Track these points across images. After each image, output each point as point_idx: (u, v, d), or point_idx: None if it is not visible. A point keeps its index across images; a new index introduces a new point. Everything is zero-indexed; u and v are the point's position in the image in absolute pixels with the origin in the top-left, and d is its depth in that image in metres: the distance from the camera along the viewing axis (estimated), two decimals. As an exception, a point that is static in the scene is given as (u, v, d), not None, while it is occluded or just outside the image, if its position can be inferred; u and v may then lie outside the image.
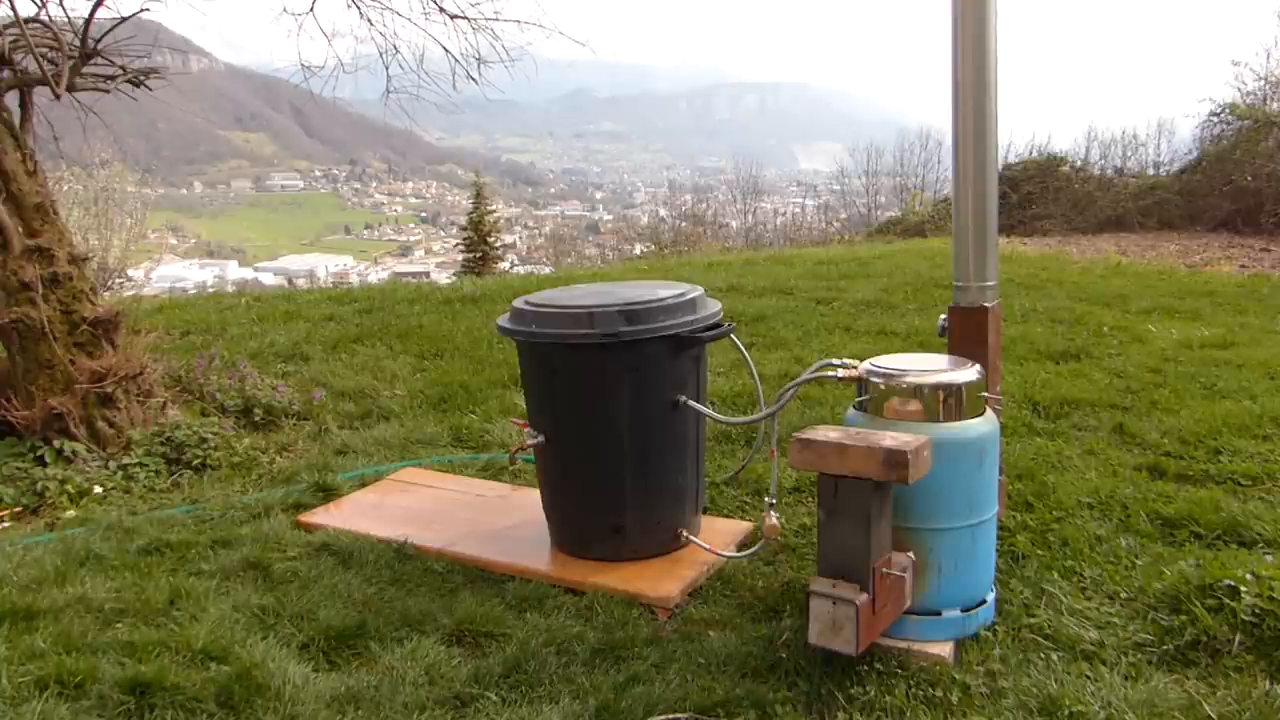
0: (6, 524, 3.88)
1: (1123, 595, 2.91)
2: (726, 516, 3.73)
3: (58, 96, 4.51)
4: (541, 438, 3.31)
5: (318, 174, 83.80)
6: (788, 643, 2.68)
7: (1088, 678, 2.48)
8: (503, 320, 3.38)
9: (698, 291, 3.33)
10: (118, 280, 9.78)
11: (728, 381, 5.32)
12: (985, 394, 2.76)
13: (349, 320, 7.27)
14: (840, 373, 2.83)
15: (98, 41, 4.76)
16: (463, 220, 25.24)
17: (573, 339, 3.15)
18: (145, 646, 2.66)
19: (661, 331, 3.14)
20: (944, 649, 2.61)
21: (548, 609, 2.98)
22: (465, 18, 6.25)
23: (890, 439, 2.43)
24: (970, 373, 2.72)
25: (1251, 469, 3.86)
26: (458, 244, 26.29)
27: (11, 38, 4.47)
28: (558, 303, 3.28)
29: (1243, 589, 2.66)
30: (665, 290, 3.32)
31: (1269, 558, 3.05)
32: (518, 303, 3.35)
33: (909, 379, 2.68)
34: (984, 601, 2.76)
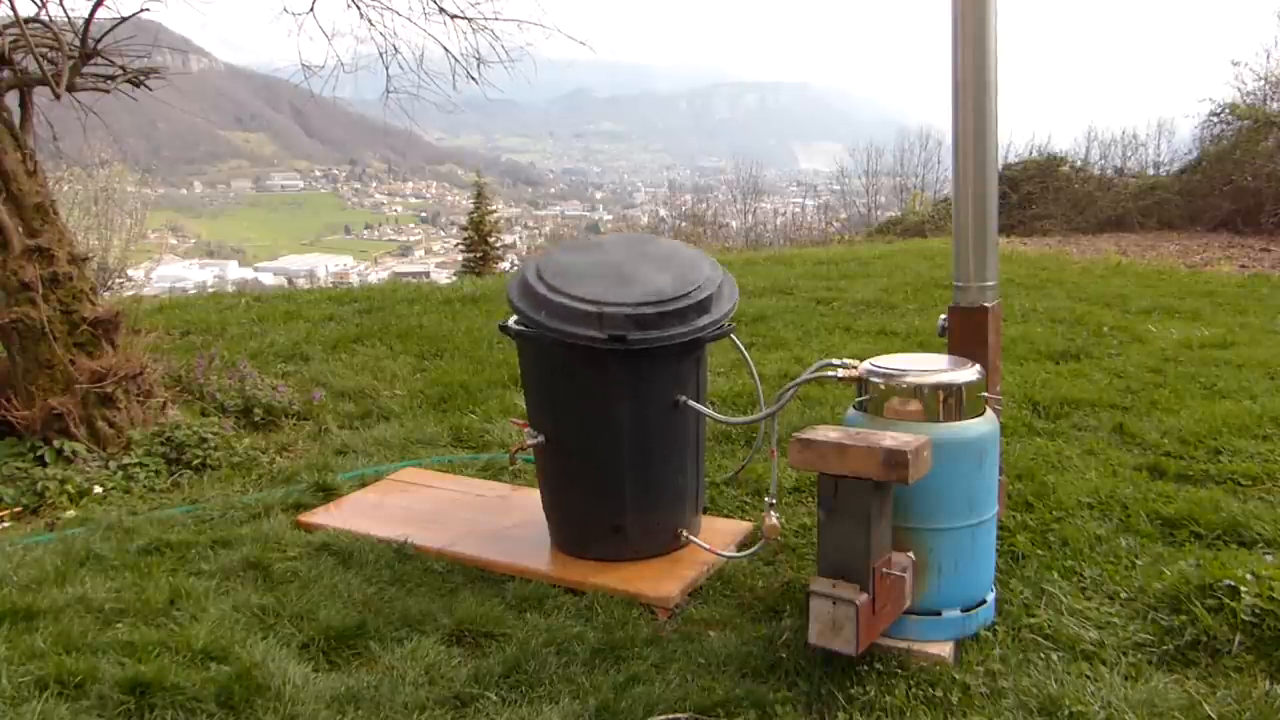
0: (6, 524, 3.88)
1: (1123, 595, 2.91)
2: (726, 516, 3.73)
3: (58, 96, 4.51)
4: (541, 438, 3.31)
5: (318, 174, 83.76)
6: (788, 643, 2.68)
7: (1088, 678, 2.48)
8: (512, 293, 3.26)
9: (715, 284, 3.20)
10: (118, 280, 9.76)
11: (728, 381, 5.32)
12: (985, 394, 2.76)
13: (349, 320, 7.27)
14: (840, 373, 2.82)
15: (98, 41, 4.76)
16: (463, 220, 25.21)
17: (580, 339, 3.07)
18: (145, 646, 2.66)
19: (673, 340, 3.08)
20: (944, 649, 2.61)
21: (548, 609, 2.97)
22: (465, 18, 6.26)
23: (890, 439, 2.43)
24: (970, 373, 2.72)
25: (1251, 469, 3.86)
26: (458, 244, 26.27)
27: (11, 38, 4.47)
28: (567, 290, 3.14)
29: (1243, 589, 2.66)
30: (693, 274, 3.17)
31: (1269, 558, 3.05)
32: (530, 278, 3.22)
33: (909, 379, 2.68)
34: (984, 601, 2.76)
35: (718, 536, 3.42)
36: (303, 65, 6.33)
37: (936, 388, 2.65)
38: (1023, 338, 6.18)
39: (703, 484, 3.54)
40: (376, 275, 37.70)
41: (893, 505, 2.55)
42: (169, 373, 5.26)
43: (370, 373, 5.83)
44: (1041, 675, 2.49)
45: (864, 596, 2.41)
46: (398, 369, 5.91)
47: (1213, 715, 2.31)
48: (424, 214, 75.53)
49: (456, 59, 6.41)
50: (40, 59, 4.39)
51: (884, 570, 2.49)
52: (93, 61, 4.80)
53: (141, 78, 5.00)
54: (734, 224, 23.67)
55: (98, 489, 4.12)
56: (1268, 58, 14.44)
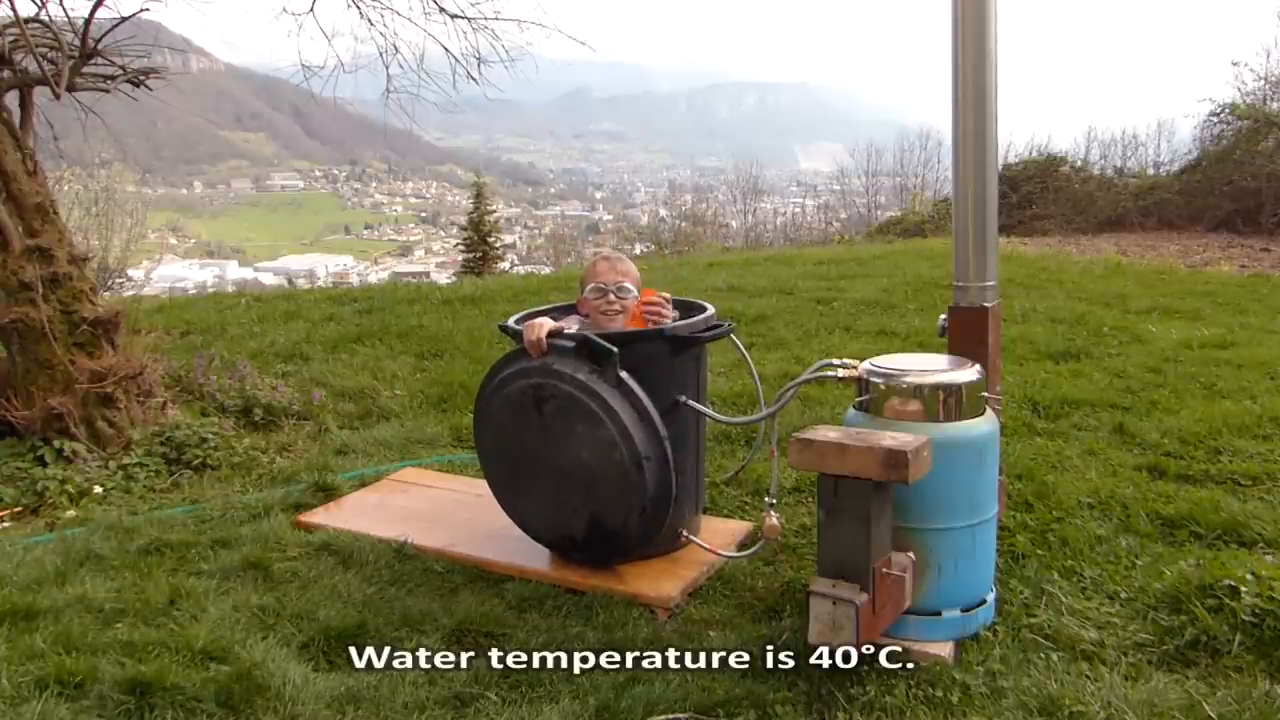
0: (6, 524, 3.88)
1: (1123, 595, 2.90)
2: (726, 516, 3.73)
3: (58, 96, 4.51)
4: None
5: (318, 174, 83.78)
6: (787, 643, 2.68)
7: (1088, 678, 2.48)
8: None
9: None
10: (118, 280, 9.78)
11: (728, 381, 5.32)
12: (985, 394, 2.76)
13: (349, 320, 7.27)
14: (840, 373, 2.82)
15: (98, 41, 4.76)
16: (463, 220, 25.25)
17: None
18: (145, 646, 2.66)
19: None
20: (944, 649, 2.61)
21: (548, 609, 2.97)
22: (465, 17, 6.27)
23: (890, 439, 2.43)
24: (970, 373, 2.71)
25: (1251, 469, 3.86)
26: (458, 244, 26.31)
27: (11, 38, 4.48)
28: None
29: (1243, 589, 2.66)
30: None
31: (1269, 558, 3.05)
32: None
33: (909, 379, 2.68)
34: (984, 601, 2.76)
35: (718, 536, 3.41)
36: (303, 65, 6.34)
37: (936, 388, 2.65)
38: (1023, 338, 6.18)
39: (703, 484, 3.54)
40: (376, 275, 37.75)
41: (893, 505, 2.55)
42: (169, 373, 5.26)
43: (370, 373, 5.83)
44: (1041, 675, 2.49)
45: (864, 596, 2.41)
46: (398, 369, 5.91)
47: (1213, 715, 2.30)
48: (424, 214, 75.52)
49: (456, 59, 6.43)
50: (40, 59, 4.39)
51: (884, 570, 2.49)
52: (93, 61, 4.80)
53: (141, 78, 5.00)
54: (734, 224, 23.69)
55: (98, 489, 4.12)
56: (1268, 58, 14.48)
